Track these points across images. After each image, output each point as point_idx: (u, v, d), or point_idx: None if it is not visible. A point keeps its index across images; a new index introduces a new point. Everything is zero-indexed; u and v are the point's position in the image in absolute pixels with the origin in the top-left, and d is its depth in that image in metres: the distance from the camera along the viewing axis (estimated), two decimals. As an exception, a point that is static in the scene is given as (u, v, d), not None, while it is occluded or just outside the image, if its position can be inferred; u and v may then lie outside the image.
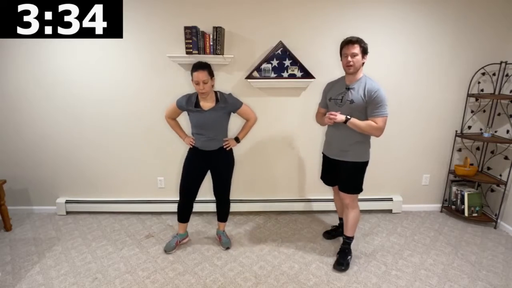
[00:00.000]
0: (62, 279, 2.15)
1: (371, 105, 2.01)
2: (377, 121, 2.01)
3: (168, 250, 2.43)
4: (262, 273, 2.21)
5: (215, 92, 2.23)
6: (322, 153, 2.40)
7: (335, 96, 2.16)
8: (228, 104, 2.22)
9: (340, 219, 2.58)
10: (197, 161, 2.32)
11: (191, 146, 2.34)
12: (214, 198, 2.46)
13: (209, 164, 2.35)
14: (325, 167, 2.41)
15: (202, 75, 2.06)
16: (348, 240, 2.34)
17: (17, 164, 2.94)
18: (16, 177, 2.96)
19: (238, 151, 2.92)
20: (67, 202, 3.00)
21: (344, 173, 2.22)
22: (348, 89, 2.09)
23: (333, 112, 2.05)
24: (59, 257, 2.39)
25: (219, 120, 2.23)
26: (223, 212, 2.51)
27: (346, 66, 2.03)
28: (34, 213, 3.07)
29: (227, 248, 2.47)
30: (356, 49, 1.99)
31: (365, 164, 2.21)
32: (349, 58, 2.00)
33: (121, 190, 3.04)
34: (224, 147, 2.30)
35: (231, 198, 2.49)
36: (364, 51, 2.02)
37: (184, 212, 2.45)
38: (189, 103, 2.21)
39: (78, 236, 2.67)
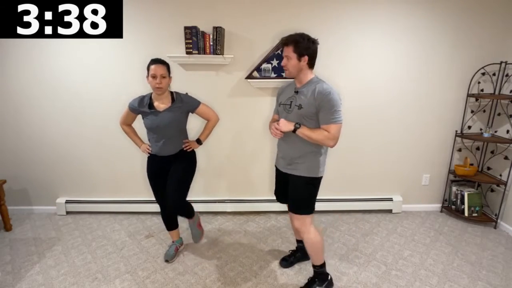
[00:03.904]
0: (62, 279, 2.15)
1: (322, 111, 1.72)
2: (329, 129, 1.72)
3: (169, 259, 2.31)
4: (262, 273, 2.21)
5: (171, 93, 2.08)
6: (275, 165, 2.10)
7: (285, 101, 1.89)
8: (184, 104, 2.07)
9: (298, 241, 2.31)
10: (158, 170, 2.16)
11: (148, 154, 2.17)
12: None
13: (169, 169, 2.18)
14: (277, 181, 2.11)
15: (160, 68, 1.93)
16: (316, 269, 2.00)
17: (17, 164, 2.94)
18: (16, 177, 2.96)
19: (243, 149, 2.93)
20: (67, 202, 3.00)
21: (293, 190, 1.92)
22: (297, 92, 1.83)
23: (277, 123, 1.80)
24: (59, 257, 2.39)
25: (175, 121, 2.05)
26: (183, 215, 2.33)
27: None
28: (34, 213, 3.07)
29: (196, 241, 2.31)
30: (289, 51, 1.74)
31: (317, 180, 1.89)
32: (283, 61, 1.79)
33: (121, 190, 3.04)
34: (184, 148, 2.15)
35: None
36: (301, 53, 1.73)
37: (168, 220, 2.35)
38: (142, 105, 2.05)
39: (78, 236, 2.67)
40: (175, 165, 2.16)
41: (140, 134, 2.30)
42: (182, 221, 2.77)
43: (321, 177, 1.91)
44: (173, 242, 2.43)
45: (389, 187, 3.08)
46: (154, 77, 1.94)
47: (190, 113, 2.17)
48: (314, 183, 1.89)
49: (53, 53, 2.65)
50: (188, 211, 2.33)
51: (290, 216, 2.16)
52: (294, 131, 1.77)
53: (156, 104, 2.05)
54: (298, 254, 2.32)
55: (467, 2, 2.62)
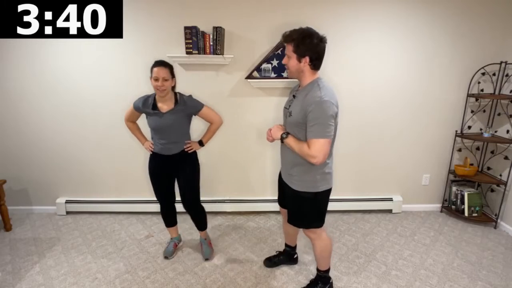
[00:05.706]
0: (62, 279, 2.15)
1: (307, 121, 1.52)
2: (310, 144, 1.51)
3: (168, 255, 2.36)
4: (262, 273, 2.21)
5: (175, 94, 2.08)
6: (279, 171, 1.97)
7: (286, 104, 1.77)
8: (187, 107, 2.07)
9: (286, 245, 2.27)
10: (159, 167, 2.18)
11: (151, 152, 2.20)
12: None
13: (172, 170, 2.19)
14: (279, 187, 2.01)
15: (162, 71, 1.93)
16: (320, 273, 1.96)
17: (17, 164, 2.94)
18: (16, 177, 2.96)
19: (242, 149, 2.93)
20: (67, 202, 3.00)
21: (290, 202, 1.81)
22: (294, 96, 1.69)
23: (270, 128, 1.73)
24: (59, 257, 2.39)
25: (178, 123, 2.06)
26: (198, 221, 2.37)
27: None
28: (34, 213, 3.07)
29: (207, 259, 2.33)
30: (289, 50, 1.57)
31: (317, 195, 1.67)
32: (284, 59, 1.64)
33: (121, 190, 3.04)
34: (186, 149, 2.15)
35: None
36: (301, 54, 1.54)
37: (168, 217, 2.38)
38: (146, 105, 2.05)
39: (78, 236, 2.67)
40: (182, 168, 2.18)
41: (145, 132, 2.31)
42: (182, 221, 2.78)
43: (323, 192, 1.69)
44: (171, 239, 2.46)
45: (389, 187, 3.08)
46: (156, 79, 1.93)
47: (193, 115, 2.17)
48: (312, 198, 1.69)
49: (53, 53, 2.65)
50: (203, 216, 2.37)
51: (283, 218, 2.14)
52: (282, 140, 1.66)
53: (159, 105, 2.05)
54: (282, 257, 2.28)
55: (467, 2, 2.62)
